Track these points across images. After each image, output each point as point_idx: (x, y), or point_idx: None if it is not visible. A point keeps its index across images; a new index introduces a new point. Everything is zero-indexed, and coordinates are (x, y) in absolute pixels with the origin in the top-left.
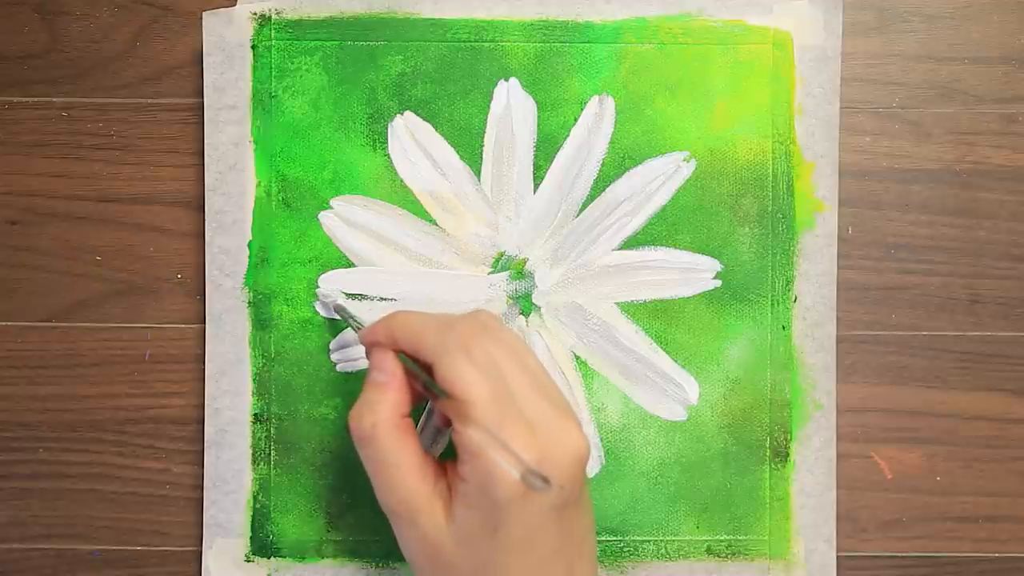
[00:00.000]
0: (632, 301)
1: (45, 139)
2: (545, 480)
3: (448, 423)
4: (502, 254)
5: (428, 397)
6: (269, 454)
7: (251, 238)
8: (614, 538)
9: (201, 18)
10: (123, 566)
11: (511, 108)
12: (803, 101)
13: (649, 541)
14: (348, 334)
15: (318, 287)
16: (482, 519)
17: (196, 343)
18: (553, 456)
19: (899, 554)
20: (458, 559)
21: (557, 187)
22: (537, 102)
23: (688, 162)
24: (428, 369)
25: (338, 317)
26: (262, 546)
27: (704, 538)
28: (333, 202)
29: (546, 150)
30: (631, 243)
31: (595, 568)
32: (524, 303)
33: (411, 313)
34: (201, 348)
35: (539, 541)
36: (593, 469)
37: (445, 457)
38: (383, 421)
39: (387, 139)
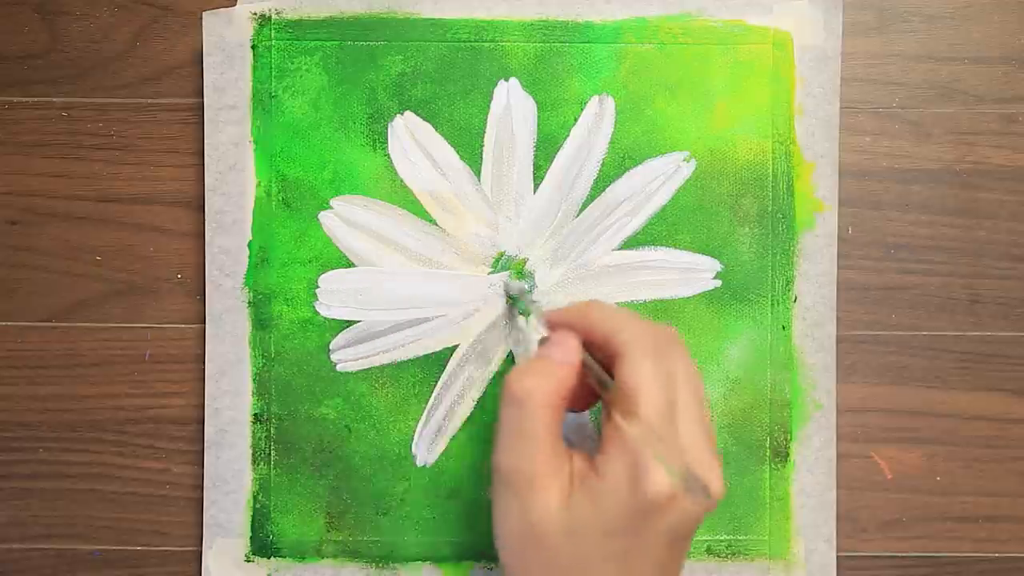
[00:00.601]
0: (632, 301)
1: (45, 139)
2: (706, 488)
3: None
4: (502, 254)
5: (597, 390)
6: (269, 454)
7: (251, 238)
8: None
9: (201, 18)
10: (123, 566)
11: (511, 108)
12: (803, 101)
13: None
14: (347, 334)
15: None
16: (603, 517)
17: (196, 343)
18: (692, 488)
19: (899, 554)
20: (556, 547)
21: (557, 187)
22: (537, 102)
23: (688, 162)
24: (606, 366)
25: (513, 296)
26: (262, 546)
27: (704, 538)
28: (333, 202)
29: (546, 150)
30: (631, 243)
31: None
32: (522, 304)
33: (609, 304)
34: (201, 348)
35: (644, 560)
36: None
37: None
38: (543, 391)
39: (387, 139)
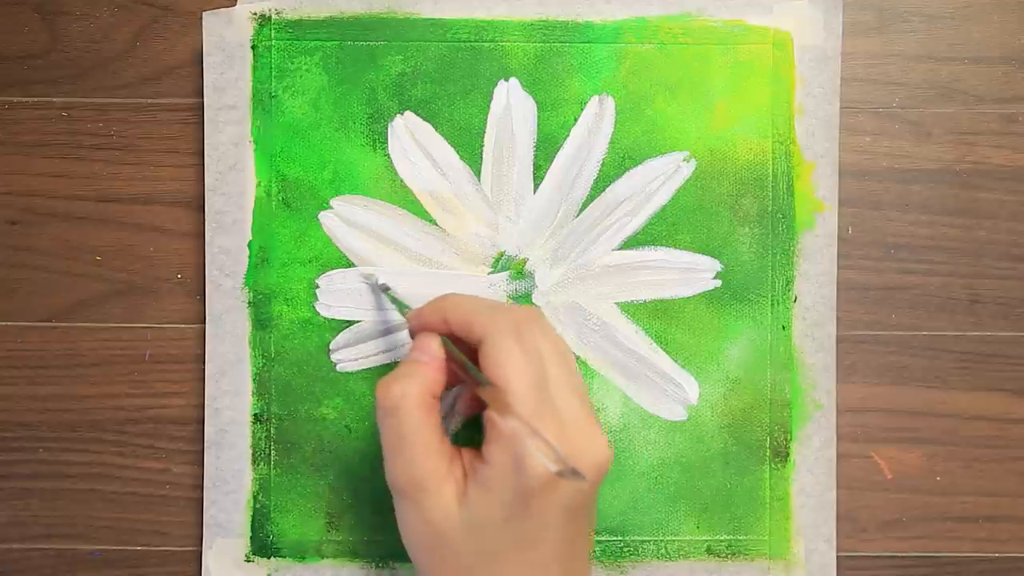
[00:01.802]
0: (632, 301)
1: (45, 139)
2: (578, 472)
3: (473, 409)
4: (502, 254)
5: (465, 382)
6: (269, 454)
7: (251, 238)
8: (614, 538)
9: (201, 18)
10: (123, 566)
11: (511, 108)
12: (803, 101)
13: (649, 541)
14: (347, 334)
15: (372, 277)
16: (498, 505)
17: (196, 343)
18: (578, 458)
19: (899, 554)
20: (462, 545)
21: (557, 187)
22: (537, 102)
23: (688, 162)
24: (471, 356)
25: (383, 299)
26: (262, 546)
27: (704, 538)
28: (333, 202)
29: (546, 150)
30: (631, 243)
31: (587, 573)
32: (524, 303)
33: (463, 295)
34: (201, 348)
35: (547, 538)
36: None
37: (458, 442)
38: (412, 395)
39: (387, 139)
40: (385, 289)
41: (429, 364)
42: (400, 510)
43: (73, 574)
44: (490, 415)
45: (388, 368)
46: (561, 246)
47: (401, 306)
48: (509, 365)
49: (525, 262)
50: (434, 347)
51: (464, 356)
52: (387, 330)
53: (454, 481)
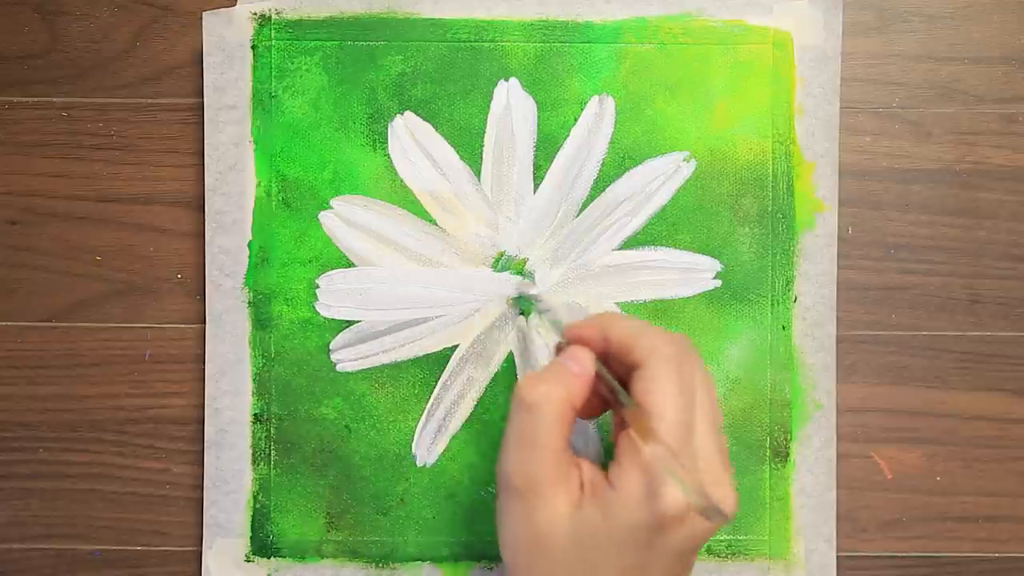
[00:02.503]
0: (632, 301)
1: (45, 139)
2: (720, 511)
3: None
4: (502, 254)
5: (610, 404)
6: (269, 454)
7: (251, 238)
8: None
9: (201, 18)
10: (123, 566)
11: (511, 108)
12: (803, 101)
13: None
14: (347, 334)
15: (525, 288)
16: (614, 530)
17: (196, 343)
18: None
19: (899, 554)
20: (564, 556)
21: (557, 187)
22: (537, 102)
23: (688, 162)
24: (621, 377)
25: (531, 301)
26: (262, 546)
27: None
28: (333, 202)
29: (546, 150)
30: (631, 243)
31: None
32: (524, 303)
33: (626, 316)
34: (201, 348)
35: (651, 573)
36: None
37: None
38: (556, 399)
39: (387, 139)
40: (538, 299)
41: (580, 377)
42: (506, 507)
43: (73, 574)
44: (627, 439)
45: (388, 368)
46: (561, 246)
47: (554, 317)
48: (664, 394)
49: (525, 262)
50: (586, 360)
51: (611, 377)
52: (388, 330)
53: (568, 491)
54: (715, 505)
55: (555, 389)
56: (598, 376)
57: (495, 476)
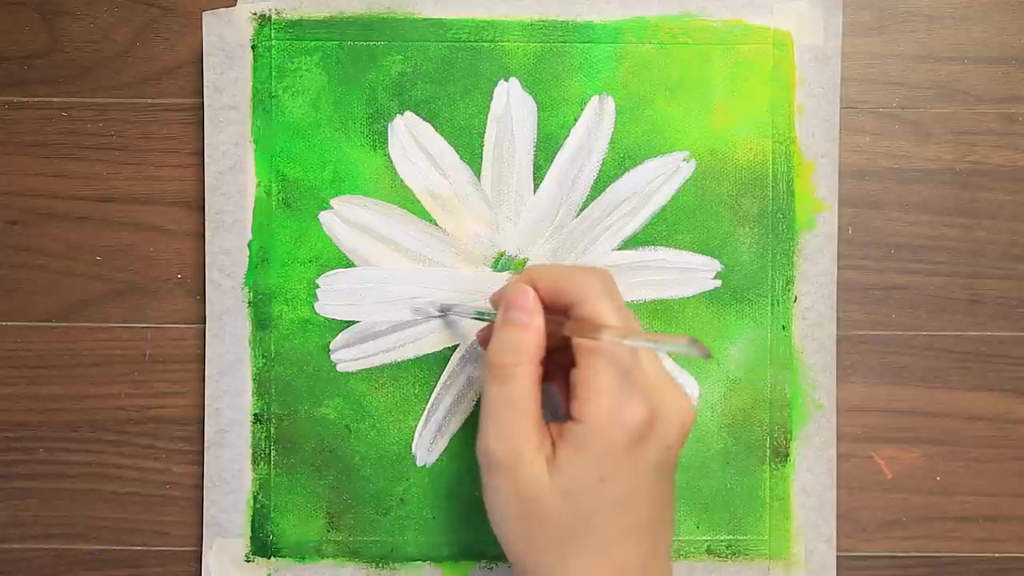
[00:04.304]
0: (632, 301)
1: (45, 139)
2: (701, 346)
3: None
4: (502, 254)
5: (560, 331)
6: (269, 454)
7: (251, 238)
8: None
9: (201, 18)
10: (123, 566)
11: (511, 108)
12: (803, 101)
13: None
14: (347, 334)
15: (422, 310)
16: (593, 464)
17: (196, 343)
18: (665, 414)
19: (899, 554)
20: (556, 512)
21: (557, 187)
22: (537, 102)
23: (688, 162)
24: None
25: (441, 314)
26: (262, 546)
27: (704, 538)
28: (333, 202)
29: (546, 150)
30: (631, 243)
31: (669, 557)
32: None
33: (548, 264)
34: (201, 348)
35: (639, 499)
36: None
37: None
38: (526, 362)
39: (387, 139)
40: (446, 308)
41: (531, 325)
42: (491, 482)
43: (73, 574)
44: (579, 376)
45: (388, 368)
46: (561, 246)
47: (469, 308)
48: (605, 312)
49: (525, 262)
50: (531, 301)
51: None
52: (388, 330)
53: (544, 451)
54: (691, 338)
55: (523, 352)
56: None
57: (477, 457)
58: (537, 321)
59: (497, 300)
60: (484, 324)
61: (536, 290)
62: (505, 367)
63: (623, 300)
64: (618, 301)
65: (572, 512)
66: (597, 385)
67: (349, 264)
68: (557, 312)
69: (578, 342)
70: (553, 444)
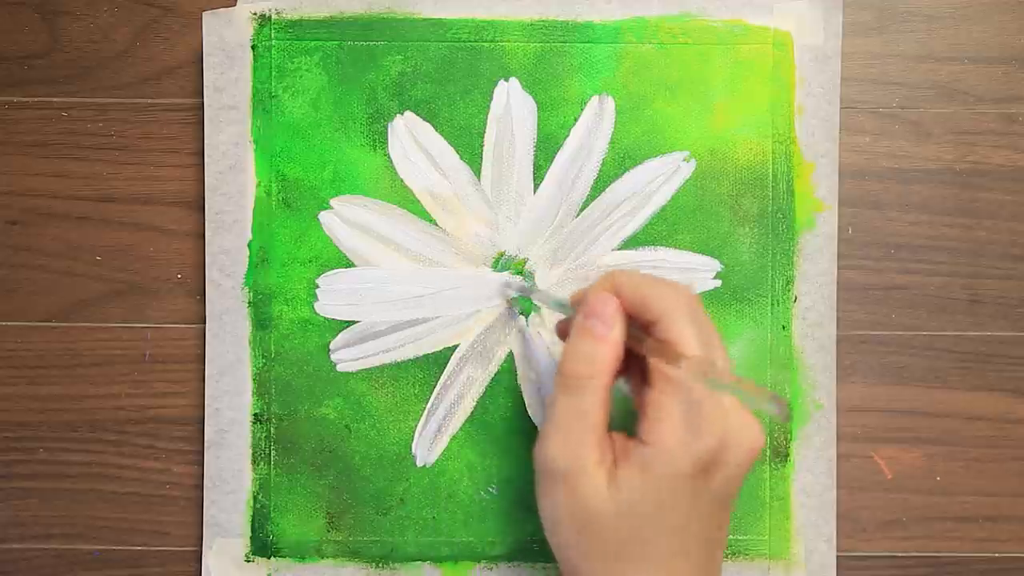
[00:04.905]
0: None
1: (45, 139)
2: (781, 402)
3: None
4: (502, 254)
5: (636, 349)
6: (269, 454)
7: (251, 238)
8: None
9: (201, 18)
10: (123, 566)
11: (511, 108)
12: (803, 101)
13: None
14: (347, 334)
15: (512, 285)
16: (652, 487)
17: (196, 343)
18: (735, 442)
19: (899, 554)
20: (612, 528)
21: (557, 187)
22: (537, 102)
23: (688, 162)
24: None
25: (518, 295)
26: (262, 546)
27: None
28: (333, 202)
29: (546, 150)
30: (631, 243)
31: (721, 561)
32: (524, 303)
33: (634, 271)
34: (201, 348)
35: (695, 525)
36: None
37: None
38: (601, 374)
39: (387, 139)
40: (529, 290)
41: (610, 338)
42: (550, 490)
43: (73, 574)
44: (652, 396)
45: (388, 368)
46: (561, 246)
47: (548, 295)
48: (688, 335)
49: (525, 262)
50: (611, 312)
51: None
52: (388, 330)
53: (606, 464)
54: (774, 393)
55: (598, 364)
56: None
57: (533, 461)
58: (615, 334)
59: (577, 300)
60: (564, 316)
61: (621, 296)
62: (578, 378)
63: (709, 321)
64: (703, 326)
65: (627, 530)
66: (669, 410)
67: (349, 264)
68: (637, 323)
69: (655, 361)
70: (615, 459)
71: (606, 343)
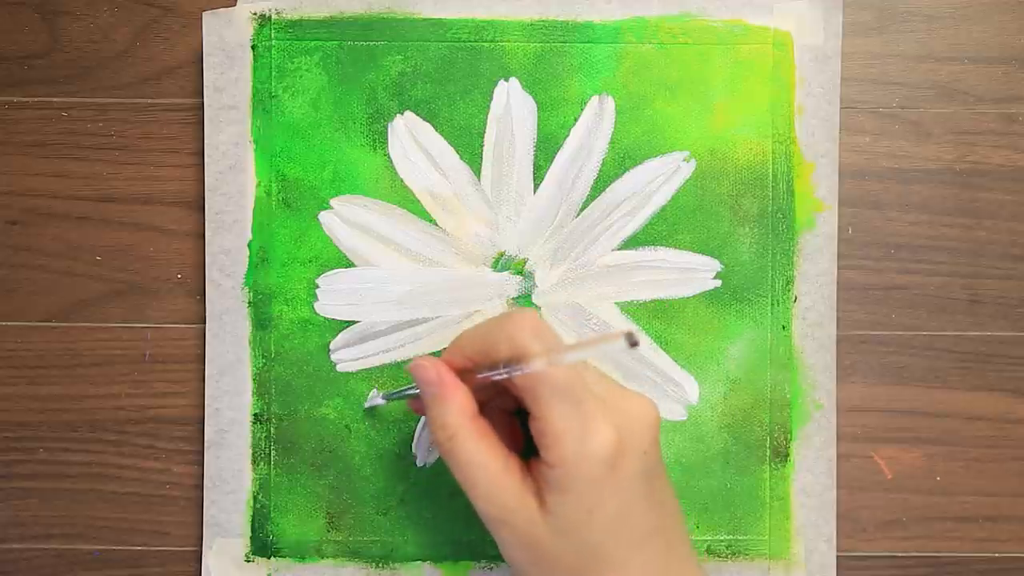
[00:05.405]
0: (632, 301)
1: (45, 139)
2: (632, 335)
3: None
4: (502, 254)
5: (499, 381)
6: (269, 454)
7: (251, 238)
8: None
9: (201, 18)
10: (123, 566)
11: (511, 108)
12: (803, 101)
13: None
14: (347, 334)
15: (371, 398)
16: (576, 501)
17: (196, 343)
18: (628, 425)
19: (899, 554)
20: (559, 551)
21: (557, 187)
22: (537, 102)
23: (688, 162)
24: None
25: (385, 402)
26: (262, 546)
27: (704, 538)
28: (333, 202)
29: (546, 150)
30: (631, 243)
31: (692, 551)
32: (524, 303)
33: (477, 323)
34: (201, 348)
35: (635, 516)
36: None
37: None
38: (458, 428)
39: (387, 139)
40: (389, 396)
41: (445, 390)
42: (496, 534)
43: (73, 574)
44: (535, 424)
45: (388, 368)
46: (561, 246)
47: (406, 388)
48: (523, 344)
49: (525, 262)
50: (432, 372)
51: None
52: (388, 330)
53: (531, 493)
54: (618, 330)
55: (449, 422)
56: (467, 371)
57: None
58: (448, 389)
59: (411, 368)
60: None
61: (463, 350)
62: (445, 441)
63: (555, 335)
64: (545, 335)
65: (572, 548)
66: (554, 429)
67: (349, 264)
68: (494, 363)
69: (523, 391)
70: (539, 487)
71: (445, 400)
